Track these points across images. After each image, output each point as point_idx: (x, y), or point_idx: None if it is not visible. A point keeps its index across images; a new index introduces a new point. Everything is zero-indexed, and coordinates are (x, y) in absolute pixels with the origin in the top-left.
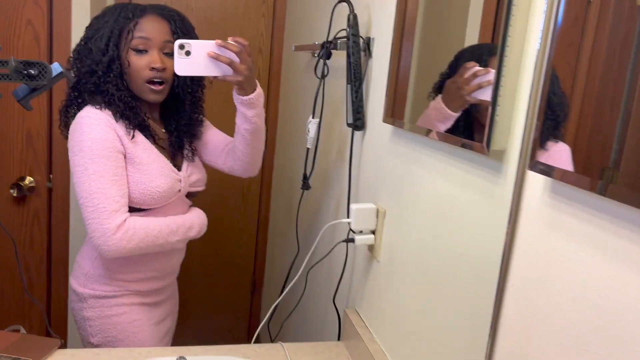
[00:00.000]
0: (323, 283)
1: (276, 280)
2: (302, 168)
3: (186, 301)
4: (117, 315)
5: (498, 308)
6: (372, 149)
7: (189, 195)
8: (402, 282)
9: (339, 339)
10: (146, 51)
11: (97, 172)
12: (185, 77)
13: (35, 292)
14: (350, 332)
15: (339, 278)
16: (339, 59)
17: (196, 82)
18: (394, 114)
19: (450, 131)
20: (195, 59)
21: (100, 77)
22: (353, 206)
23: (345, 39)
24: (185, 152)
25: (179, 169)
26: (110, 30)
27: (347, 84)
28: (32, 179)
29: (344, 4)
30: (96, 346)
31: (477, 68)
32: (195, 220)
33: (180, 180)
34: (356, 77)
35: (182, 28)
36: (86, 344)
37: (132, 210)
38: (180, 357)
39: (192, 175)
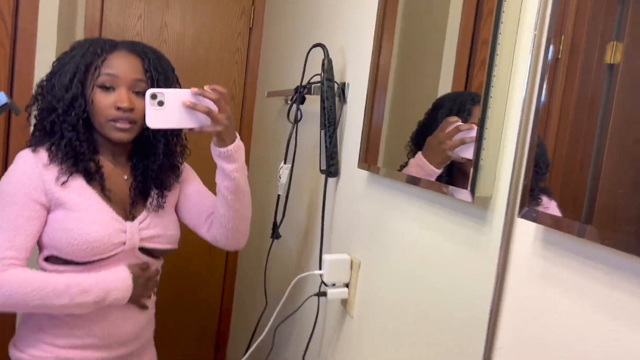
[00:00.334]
0: (292, 340)
1: (242, 337)
2: (272, 216)
3: None
4: None
5: None
6: (346, 197)
7: (151, 253)
8: (377, 340)
9: None
10: (113, 89)
11: None
12: None
13: None
14: None
15: (309, 335)
16: (313, 105)
17: None
18: (369, 159)
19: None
20: (169, 109)
21: (60, 115)
22: (326, 257)
23: (320, 84)
24: (150, 200)
25: (133, 219)
26: (76, 66)
27: (321, 129)
28: None
29: (319, 48)
30: None
31: (459, 123)
32: (95, 284)
33: (124, 231)
34: (330, 122)
35: (157, 66)
36: None
37: (67, 263)
38: None
39: (148, 229)
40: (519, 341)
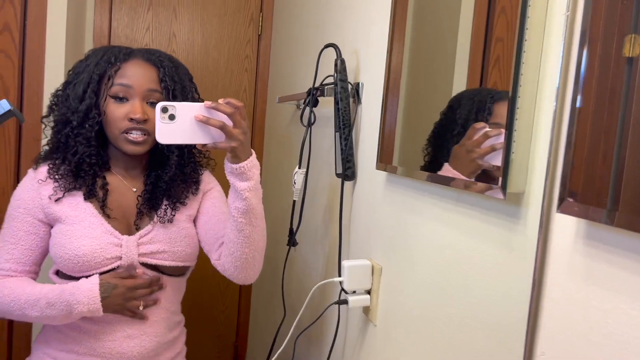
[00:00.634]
0: (313, 351)
1: (261, 348)
2: (288, 223)
3: None
4: None
5: None
6: (364, 200)
7: (158, 269)
8: (403, 349)
9: None
10: (126, 99)
11: (2, 229)
12: None
13: None
14: None
15: (330, 345)
16: (326, 108)
17: None
18: (387, 160)
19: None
20: (181, 124)
21: (74, 128)
22: (345, 263)
23: (333, 85)
24: (159, 212)
25: (136, 232)
26: (89, 76)
27: (336, 131)
28: None
29: (331, 49)
30: None
31: (487, 129)
32: (58, 297)
33: (120, 246)
34: (345, 124)
35: (173, 75)
36: None
37: (70, 278)
38: None
39: (151, 244)
40: (561, 346)
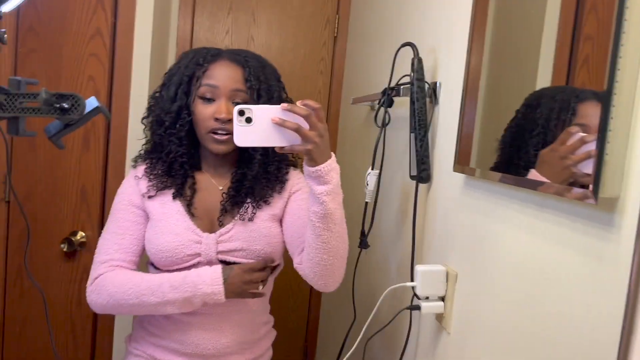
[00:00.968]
0: (383, 356)
1: (330, 351)
2: (359, 224)
3: None
4: None
5: None
6: (439, 203)
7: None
8: (479, 359)
9: None
10: (213, 100)
11: (108, 223)
12: None
13: (80, 352)
14: None
15: (401, 351)
16: (401, 108)
17: None
18: (466, 161)
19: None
20: (257, 127)
21: (167, 128)
22: (418, 268)
23: (409, 85)
24: (242, 210)
25: (217, 229)
26: (180, 77)
27: (411, 132)
28: (83, 234)
29: (408, 48)
30: None
31: (583, 134)
32: (183, 278)
33: (199, 243)
34: (421, 125)
35: (259, 75)
36: None
37: (159, 270)
38: None
39: (229, 242)
40: None
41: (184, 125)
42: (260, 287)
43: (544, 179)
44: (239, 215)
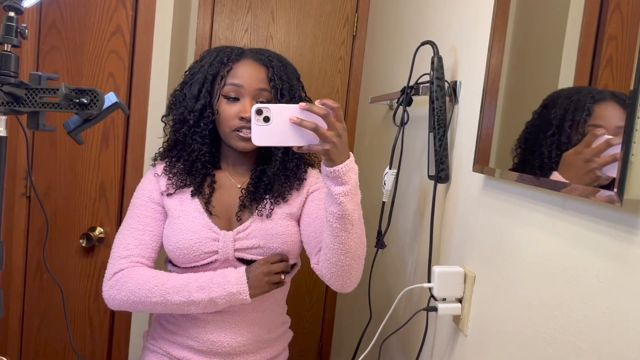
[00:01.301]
0: (399, 357)
1: (346, 350)
2: (376, 224)
3: None
4: None
5: None
6: (458, 203)
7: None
8: None
9: None
10: (238, 99)
11: (127, 219)
12: None
13: (97, 346)
14: None
15: (417, 352)
16: (420, 108)
17: None
18: (485, 161)
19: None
20: (275, 126)
21: (191, 127)
22: (436, 269)
23: (429, 84)
24: (260, 207)
25: (235, 226)
26: (204, 76)
27: (430, 132)
28: (102, 230)
29: (428, 46)
30: None
31: (609, 136)
32: (210, 279)
33: (217, 240)
34: (440, 124)
35: (282, 75)
36: None
37: (176, 266)
38: None
39: (247, 239)
40: None
41: (207, 124)
42: (283, 276)
43: (566, 181)
44: (257, 211)
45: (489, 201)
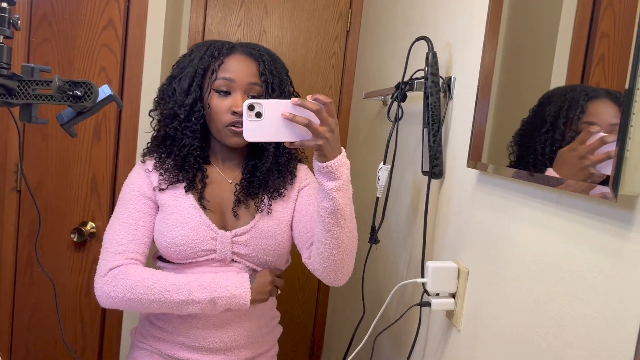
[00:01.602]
0: (391, 352)
1: (338, 346)
2: (370, 220)
3: None
4: None
5: None
6: (451, 199)
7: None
8: (490, 358)
9: None
10: (229, 93)
11: (117, 213)
12: None
13: (88, 341)
14: None
15: (410, 347)
16: (413, 104)
17: None
18: (479, 157)
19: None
20: (267, 121)
21: (182, 121)
22: (430, 264)
23: (423, 79)
24: (256, 202)
25: (232, 228)
26: (194, 70)
27: (424, 127)
28: (93, 225)
29: (422, 42)
30: None
31: (604, 134)
32: (212, 280)
33: (215, 239)
34: (434, 120)
35: (272, 69)
36: None
37: (167, 262)
38: None
39: (244, 245)
40: None
41: (199, 118)
42: (279, 291)
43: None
44: (257, 209)
45: (482, 197)
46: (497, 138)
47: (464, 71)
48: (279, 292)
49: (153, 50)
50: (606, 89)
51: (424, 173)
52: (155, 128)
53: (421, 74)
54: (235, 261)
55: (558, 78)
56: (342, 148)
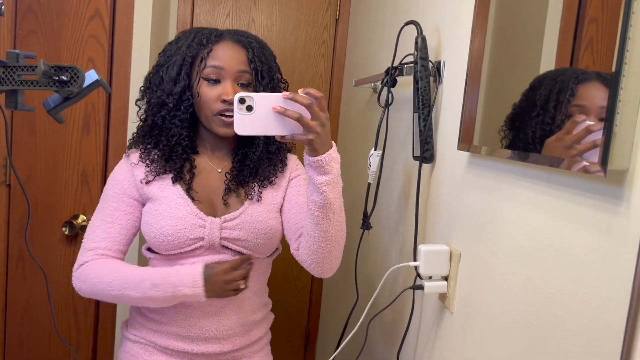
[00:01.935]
0: (386, 336)
1: (332, 332)
2: (362, 205)
3: None
4: None
5: None
6: (443, 183)
7: (239, 253)
8: (483, 338)
9: None
10: (219, 81)
11: (97, 208)
12: None
13: (82, 334)
14: None
15: (404, 330)
16: (404, 89)
17: None
18: (470, 139)
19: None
20: (259, 115)
21: (170, 110)
22: (422, 247)
23: (413, 64)
24: (247, 189)
25: (222, 214)
26: (182, 58)
27: (414, 112)
28: (84, 218)
29: (411, 26)
30: None
31: (590, 123)
32: (163, 279)
33: (203, 227)
34: (424, 105)
35: (261, 57)
36: None
37: (156, 253)
38: None
39: (234, 230)
40: None
41: (187, 107)
42: (242, 285)
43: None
44: (247, 196)
45: (473, 179)
46: (489, 121)
47: (453, 55)
48: (243, 286)
49: (141, 40)
50: (597, 72)
51: (415, 158)
52: (142, 117)
53: (411, 58)
54: (225, 246)
55: (547, 63)
56: (333, 142)
